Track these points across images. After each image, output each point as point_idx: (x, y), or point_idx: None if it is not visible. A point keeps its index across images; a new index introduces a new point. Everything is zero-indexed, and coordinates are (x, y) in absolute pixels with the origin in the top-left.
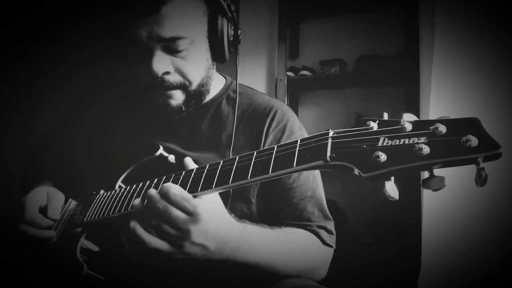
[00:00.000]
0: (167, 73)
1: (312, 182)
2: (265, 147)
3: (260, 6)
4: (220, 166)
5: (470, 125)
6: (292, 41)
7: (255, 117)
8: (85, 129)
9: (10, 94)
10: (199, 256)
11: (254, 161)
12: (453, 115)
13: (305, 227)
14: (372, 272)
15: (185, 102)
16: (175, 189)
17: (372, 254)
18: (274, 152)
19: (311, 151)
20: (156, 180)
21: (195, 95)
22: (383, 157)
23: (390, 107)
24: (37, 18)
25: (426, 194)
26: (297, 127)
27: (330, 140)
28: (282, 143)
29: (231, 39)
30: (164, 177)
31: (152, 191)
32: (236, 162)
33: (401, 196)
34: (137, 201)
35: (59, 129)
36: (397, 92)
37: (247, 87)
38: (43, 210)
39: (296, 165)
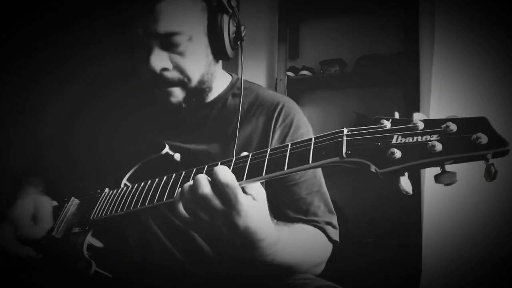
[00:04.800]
0: (166, 69)
1: (318, 178)
2: (273, 142)
3: (260, 6)
4: (232, 164)
5: (479, 123)
6: (292, 41)
7: (262, 111)
8: (89, 125)
9: (10, 94)
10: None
11: (268, 158)
12: (451, 114)
13: (312, 223)
14: (372, 272)
15: (185, 99)
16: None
17: (372, 254)
18: (289, 149)
19: (326, 148)
20: (165, 178)
21: (196, 92)
22: (398, 153)
23: (390, 107)
24: (38, 17)
25: (426, 195)
26: (303, 122)
27: (345, 138)
28: (289, 137)
29: (233, 35)
30: (174, 175)
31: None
32: (249, 160)
33: (401, 197)
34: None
35: (63, 125)
36: (397, 92)
37: (253, 83)
38: (34, 219)
39: (312, 162)
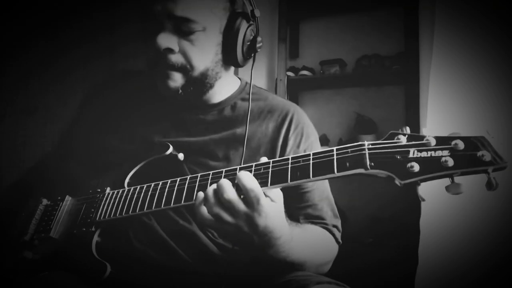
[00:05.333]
0: (171, 50)
1: (326, 184)
2: (287, 150)
3: (260, 6)
4: (253, 170)
5: (482, 142)
6: (292, 41)
7: (272, 118)
8: (88, 124)
9: (8, 94)
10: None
11: (291, 166)
12: (451, 114)
13: (321, 224)
14: (371, 273)
15: (183, 86)
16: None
17: (372, 255)
18: (311, 158)
19: (349, 159)
20: (178, 180)
21: (195, 83)
22: (416, 167)
23: (390, 107)
24: (34, 15)
25: (425, 196)
26: (312, 130)
27: (367, 151)
28: (302, 145)
29: (248, 43)
30: (189, 178)
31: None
32: (271, 167)
33: (401, 198)
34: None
35: (67, 125)
36: (397, 92)
37: (262, 88)
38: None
39: (337, 171)
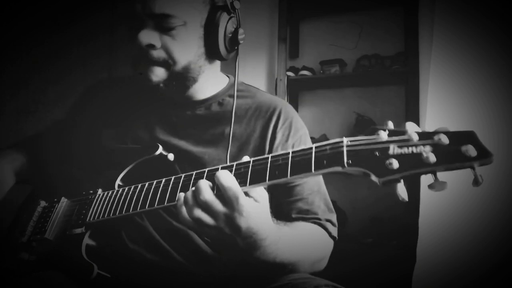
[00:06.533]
0: (153, 46)
1: (318, 178)
2: (275, 144)
3: (260, 6)
4: (234, 169)
5: (468, 136)
6: (292, 41)
7: (260, 114)
8: (83, 125)
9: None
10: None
11: (270, 165)
12: (451, 114)
13: (313, 220)
14: (371, 273)
15: (166, 81)
16: (225, 179)
17: (372, 255)
18: (290, 157)
19: (327, 157)
20: (163, 181)
21: (178, 77)
22: (395, 163)
23: (390, 107)
24: (34, 15)
25: (424, 196)
26: (301, 124)
27: (345, 148)
28: (290, 139)
29: (230, 35)
30: (173, 178)
31: (203, 181)
32: (251, 166)
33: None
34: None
35: (61, 122)
36: (397, 92)
37: (250, 86)
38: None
39: (314, 170)
